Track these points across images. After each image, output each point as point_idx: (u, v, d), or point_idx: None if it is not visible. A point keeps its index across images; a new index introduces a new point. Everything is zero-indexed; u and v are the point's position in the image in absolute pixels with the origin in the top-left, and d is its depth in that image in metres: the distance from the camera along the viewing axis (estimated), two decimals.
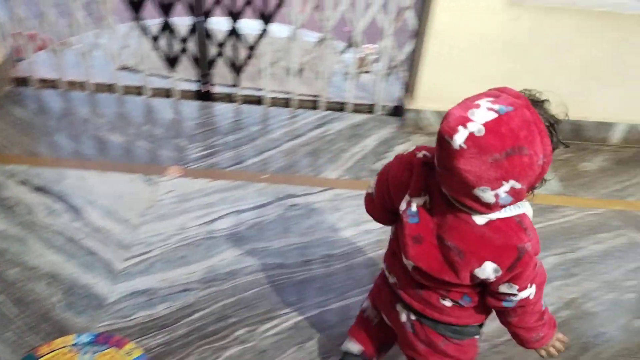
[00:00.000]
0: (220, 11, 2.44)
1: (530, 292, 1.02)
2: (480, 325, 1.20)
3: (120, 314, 1.60)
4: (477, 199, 0.91)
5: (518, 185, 0.88)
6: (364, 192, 1.24)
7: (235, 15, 2.44)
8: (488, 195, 0.89)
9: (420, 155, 1.04)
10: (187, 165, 2.20)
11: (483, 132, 0.84)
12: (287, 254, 1.83)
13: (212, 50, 2.54)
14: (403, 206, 1.04)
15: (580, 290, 1.79)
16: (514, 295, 1.02)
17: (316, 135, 2.47)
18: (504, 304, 1.05)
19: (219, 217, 1.95)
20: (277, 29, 2.50)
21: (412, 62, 2.51)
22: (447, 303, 1.10)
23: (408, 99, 2.54)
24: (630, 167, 2.39)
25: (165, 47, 2.53)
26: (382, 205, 1.15)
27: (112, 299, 1.65)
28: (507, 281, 1.00)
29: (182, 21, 2.51)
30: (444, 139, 0.87)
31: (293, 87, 2.60)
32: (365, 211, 1.24)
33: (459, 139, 0.85)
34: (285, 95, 2.65)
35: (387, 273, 1.20)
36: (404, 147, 2.42)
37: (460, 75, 2.37)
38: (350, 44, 2.51)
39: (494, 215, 0.96)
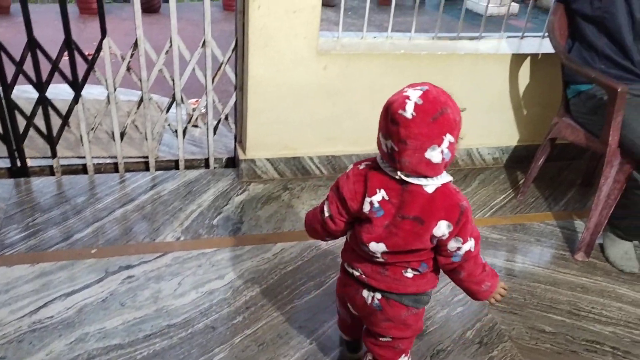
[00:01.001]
0: (25, 80, 2.27)
1: (471, 244, 1.28)
2: (430, 294, 1.42)
3: None
4: (429, 163, 1.17)
5: (452, 139, 1.17)
6: (204, 251, 1.80)
7: (42, 83, 2.29)
8: (436, 154, 1.16)
9: (362, 166, 1.31)
10: (2, 253, 1.99)
11: (421, 101, 1.14)
12: (125, 332, 1.71)
13: (21, 123, 2.35)
14: (367, 207, 1.27)
15: None
16: (459, 248, 1.27)
17: (149, 197, 2.38)
18: (453, 259, 1.29)
19: (44, 305, 1.78)
20: (94, 91, 2.40)
21: (239, 114, 2.55)
22: (409, 274, 1.33)
23: (240, 149, 2.56)
24: None
25: None
26: (342, 221, 1.35)
27: None
28: (455, 235, 1.24)
29: None
30: (398, 114, 1.15)
31: (119, 151, 2.49)
32: (329, 234, 1.42)
33: (409, 109, 1.14)
34: (112, 160, 2.53)
35: (350, 269, 1.41)
36: (242, 198, 2.42)
37: (284, 123, 2.46)
38: (174, 100, 2.48)
39: (437, 182, 1.22)
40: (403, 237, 1.25)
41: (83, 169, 2.50)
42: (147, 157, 2.56)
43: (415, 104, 1.14)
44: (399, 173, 1.22)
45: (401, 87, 1.21)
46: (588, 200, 2.62)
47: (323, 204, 1.37)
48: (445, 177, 1.24)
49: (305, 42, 2.28)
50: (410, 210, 1.23)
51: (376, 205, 1.26)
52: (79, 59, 2.27)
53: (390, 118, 1.18)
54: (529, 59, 2.62)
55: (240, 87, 2.46)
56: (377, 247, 1.28)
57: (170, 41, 2.30)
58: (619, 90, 1.92)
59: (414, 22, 2.55)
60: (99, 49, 2.26)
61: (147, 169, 2.57)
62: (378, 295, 1.37)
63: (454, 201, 1.23)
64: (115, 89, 2.35)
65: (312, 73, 2.35)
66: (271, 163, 2.55)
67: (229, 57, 2.40)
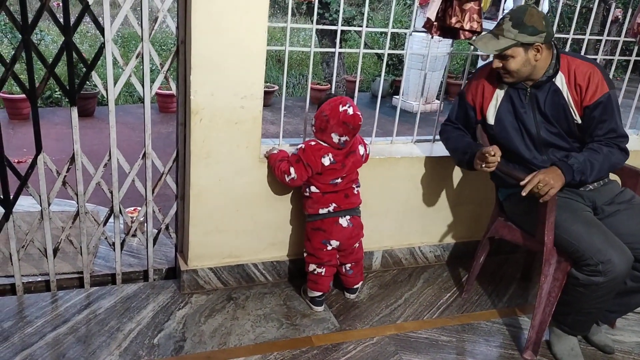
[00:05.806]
0: None
1: (364, 148, 2.40)
2: None
3: None
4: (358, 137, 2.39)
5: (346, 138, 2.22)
6: None
7: None
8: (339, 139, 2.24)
9: (313, 143, 2.23)
10: None
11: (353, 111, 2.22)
12: None
13: None
14: (327, 162, 2.21)
15: None
16: (368, 155, 2.43)
17: (84, 317, 2.23)
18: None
19: None
20: (24, 203, 2.27)
21: (180, 224, 2.49)
22: (355, 191, 2.34)
23: (182, 259, 2.48)
24: (393, 289, 2.63)
25: None
26: (302, 180, 2.24)
27: None
28: (366, 152, 2.40)
29: None
30: (359, 124, 2.21)
31: (51, 268, 2.35)
32: (292, 184, 2.27)
33: (359, 118, 2.23)
34: (43, 278, 2.38)
35: (325, 210, 2.28)
36: (185, 312, 2.31)
37: (227, 231, 2.42)
38: (112, 211, 2.40)
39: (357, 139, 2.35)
40: (351, 164, 2.28)
41: (11, 289, 2.33)
42: (81, 273, 2.42)
43: (346, 111, 2.17)
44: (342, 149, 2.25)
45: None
46: (529, 294, 2.68)
47: (288, 167, 2.21)
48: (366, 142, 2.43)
49: (247, 151, 2.30)
50: (347, 151, 2.26)
51: (332, 159, 2.21)
52: (9, 172, 2.17)
53: (351, 126, 2.17)
54: None
55: (182, 196, 2.43)
56: (342, 178, 2.26)
57: (110, 154, 2.26)
58: None
59: None
60: (32, 165, 2.17)
61: (81, 285, 2.43)
62: (348, 217, 2.30)
63: (360, 138, 2.37)
64: (49, 205, 2.25)
65: (255, 180, 2.36)
66: (214, 272, 2.48)
67: (170, 167, 2.38)
